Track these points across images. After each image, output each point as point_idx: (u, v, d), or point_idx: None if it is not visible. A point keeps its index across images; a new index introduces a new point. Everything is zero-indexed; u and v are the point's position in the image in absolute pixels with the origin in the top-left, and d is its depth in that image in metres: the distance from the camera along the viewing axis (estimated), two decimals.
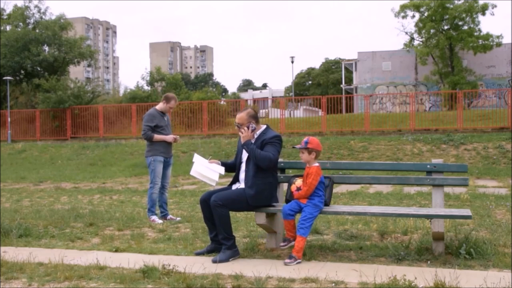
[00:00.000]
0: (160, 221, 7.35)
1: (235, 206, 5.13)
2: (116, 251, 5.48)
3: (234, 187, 5.26)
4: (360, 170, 12.20)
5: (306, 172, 5.12)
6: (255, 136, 5.18)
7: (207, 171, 5.30)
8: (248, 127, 5.10)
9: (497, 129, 20.56)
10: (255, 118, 5.20)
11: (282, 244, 5.13)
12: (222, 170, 5.35)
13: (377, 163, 7.26)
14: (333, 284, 4.11)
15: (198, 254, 5.19)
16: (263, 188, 5.07)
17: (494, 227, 6.37)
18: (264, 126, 5.26)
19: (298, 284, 4.16)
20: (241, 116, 5.16)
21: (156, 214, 7.55)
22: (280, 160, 5.79)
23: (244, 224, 6.89)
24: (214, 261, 4.83)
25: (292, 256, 4.81)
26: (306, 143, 5.11)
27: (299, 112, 31.30)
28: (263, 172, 5.06)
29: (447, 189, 10.08)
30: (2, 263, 4.83)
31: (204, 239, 5.99)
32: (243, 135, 5.09)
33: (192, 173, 5.33)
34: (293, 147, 5.35)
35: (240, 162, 5.22)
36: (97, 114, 27.20)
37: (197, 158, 5.39)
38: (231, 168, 5.41)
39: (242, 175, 5.18)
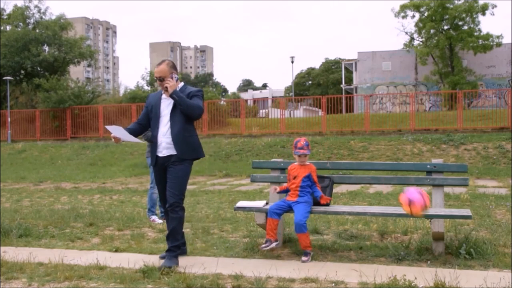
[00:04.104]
0: (160, 221, 7.34)
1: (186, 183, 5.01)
2: (116, 251, 5.48)
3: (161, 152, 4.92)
4: (360, 170, 12.20)
5: (311, 169, 5.26)
6: (177, 89, 4.92)
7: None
8: (172, 77, 4.86)
9: (497, 129, 20.57)
10: (175, 68, 5.00)
11: (263, 245, 5.08)
12: (135, 139, 5.13)
13: (377, 163, 7.26)
14: (333, 284, 4.11)
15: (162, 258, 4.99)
16: (193, 141, 4.95)
17: (494, 227, 6.37)
18: (182, 83, 5.07)
19: (298, 284, 4.16)
20: (161, 68, 4.88)
21: (156, 214, 7.55)
22: (279, 160, 5.83)
23: (244, 224, 6.89)
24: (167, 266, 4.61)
25: (307, 252, 4.93)
26: (307, 145, 5.25)
27: (299, 112, 31.32)
28: (190, 125, 4.94)
29: (447, 189, 10.09)
30: (2, 263, 4.82)
31: (204, 239, 5.99)
32: (170, 84, 4.80)
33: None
34: (305, 156, 5.24)
35: (159, 117, 4.95)
36: (97, 114, 27.21)
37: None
38: (138, 131, 5.17)
39: (164, 129, 4.91)
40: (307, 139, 5.33)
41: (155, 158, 4.98)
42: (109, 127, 4.90)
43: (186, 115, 4.85)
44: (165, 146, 4.90)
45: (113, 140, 4.97)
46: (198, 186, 13.13)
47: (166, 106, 4.94)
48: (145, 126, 5.15)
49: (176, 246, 4.85)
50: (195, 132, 5.04)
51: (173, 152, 4.87)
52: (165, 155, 4.90)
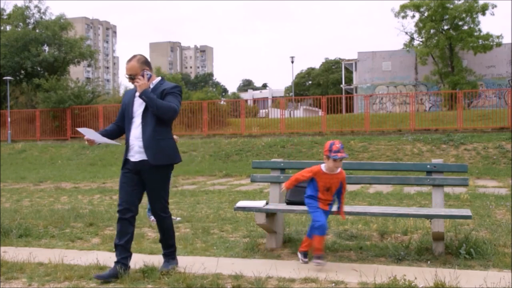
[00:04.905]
0: None
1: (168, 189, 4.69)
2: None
3: (132, 157, 4.50)
4: (360, 170, 12.19)
5: (343, 177, 4.97)
6: (151, 87, 4.51)
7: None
8: (143, 75, 4.44)
9: (497, 129, 20.57)
10: (147, 64, 4.54)
11: (305, 259, 4.82)
12: (110, 141, 4.74)
13: (377, 163, 7.25)
14: (333, 284, 4.10)
15: (98, 277, 4.35)
16: (166, 144, 4.49)
17: (494, 227, 6.37)
18: (159, 78, 4.64)
19: (298, 284, 4.16)
20: (131, 65, 4.45)
21: None
22: (279, 160, 5.82)
23: (244, 224, 6.89)
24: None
25: (321, 255, 4.66)
26: (343, 147, 4.78)
27: (299, 112, 31.34)
28: (164, 126, 4.48)
29: (447, 189, 10.08)
30: (2, 263, 4.82)
31: (204, 239, 5.99)
32: (140, 83, 4.39)
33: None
34: (341, 160, 4.81)
35: (131, 118, 4.53)
36: (97, 114, 27.21)
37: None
38: (116, 133, 4.77)
39: (136, 131, 4.49)
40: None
41: (124, 161, 4.57)
42: (81, 130, 4.63)
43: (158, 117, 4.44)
44: (137, 150, 4.47)
45: (86, 142, 4.67)
46: (198, 186, 13.12)
47: (138, 105, 4.51)
48: (123, 127, 4.71)
49: (171, 251, 4.70)
50: (170, 135, 4.58)
51: (145, 157, 4.43)
52: (137, 159, 4.47)
